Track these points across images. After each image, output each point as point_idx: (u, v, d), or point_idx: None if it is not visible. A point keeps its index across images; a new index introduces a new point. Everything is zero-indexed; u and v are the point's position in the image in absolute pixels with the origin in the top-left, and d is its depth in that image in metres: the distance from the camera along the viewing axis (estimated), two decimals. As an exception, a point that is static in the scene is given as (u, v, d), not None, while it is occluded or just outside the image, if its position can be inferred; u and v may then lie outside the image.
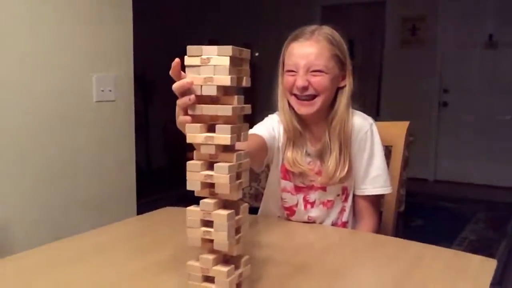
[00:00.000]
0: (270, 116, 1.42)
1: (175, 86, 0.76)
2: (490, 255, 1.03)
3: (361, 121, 1.36)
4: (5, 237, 1.71)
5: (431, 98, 5.50)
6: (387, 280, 0.97)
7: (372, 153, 1.36)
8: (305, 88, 1.26)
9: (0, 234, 1.70)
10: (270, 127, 1.37)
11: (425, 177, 5.52)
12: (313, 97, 1.28)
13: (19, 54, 1.72)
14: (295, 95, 1.29)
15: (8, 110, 1.70)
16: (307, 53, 1.27)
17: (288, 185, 1.40)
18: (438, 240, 1.15)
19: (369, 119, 1.38)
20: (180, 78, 0.77)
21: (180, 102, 0.77)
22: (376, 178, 1.36)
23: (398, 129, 1.52)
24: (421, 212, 4.17)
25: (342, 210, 1.41)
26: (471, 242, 3.55)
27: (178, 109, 0.80)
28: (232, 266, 0.72)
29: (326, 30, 1.31)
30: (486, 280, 0.90)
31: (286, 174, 1.39)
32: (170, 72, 0.79)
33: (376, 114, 5.57)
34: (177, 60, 0.78)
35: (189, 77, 0.72)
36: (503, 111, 5.18)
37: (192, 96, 0.73)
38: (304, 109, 1.29)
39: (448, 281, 0.92)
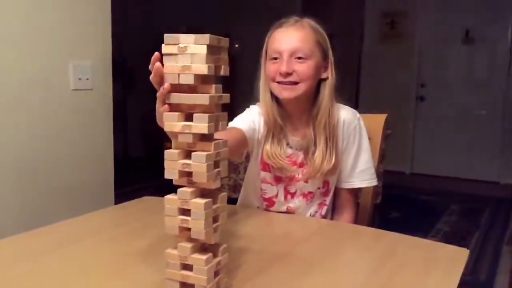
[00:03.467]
0: (251, 107, 1.42)
1: (152, 77, 0.76)
2: (463, 246, 1.05)
3: (349, 116, 1.37)
4: (-21, 227, 1.68)
5: (408, 92, 5.57)
6: (362, 268, 0.98)
7: (360, 147, 1.38)
8: (288, 74, 1.26)
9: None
10: (250, 120, 1.36)
11: (402, 170, 5.60)
12: (296, 83, 1.27)
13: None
14: (278, 82, 1.29)
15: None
16: (292, 38, 1.27)
17: (268, 176, 1.40)
18: (413, 231, 1.17)
19: (356, 113, 1.40)
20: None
21: (159, 93, 0.77)
22: (364, 171, 1.39)
23: (376, 122, 1.54)
24: (397, 205, 4.23)
25: (322, 204, 1.42)
26: (445, 233, 3.62)
27: (158, 103, 0.80)
28: (210, 254, 0.72)
29: (309, 20, 1.32)
30: (458, 269, 0.92)
31: (266, 165, 1.39)
32: (150, 67, 0.78)
33: (355, 106, 5.59)
34: (156, 54, 0.77)
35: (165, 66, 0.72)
36: (479, 106, 5.28)
37: (166, 85, 0.73)
38: (286, 93, 1.28)
39: (421, 269, 0.94)
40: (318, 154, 1.31)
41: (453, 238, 3.52)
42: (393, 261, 0.99)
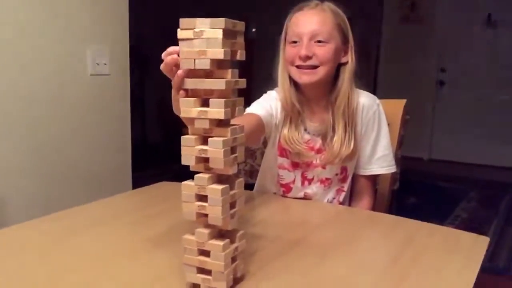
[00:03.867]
0: (268, 92, 1.41)
1: (163, 66, 0.80)
2: (481, 233, 1.04)
3: (368, 101, 1.35)
4: (0, 211, 1.72)
5: (428, 76, 5.48)
6: (381, 256, 0.97)
7: (379, 133, 1.36)
8: (308, 57, 1.25)
9: (-5, 207, 1.70)
10: (267, 105, 1.35)
11: (420, 156, 5.54)
12: (315, 67, 1.26)
13: (13, 23, 1.69)
14: (297, 66, 1.28)
15: (0, 85, 1.68)
16: (312, 21, 1.26)
17: (285, 162, 1.39)
18: (430, 218, 1.15)
19: (376, 99, 1.38)
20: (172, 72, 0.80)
21: (173, 81, 0.78)
22: (382, 158, 1.37)
23: (395, 107, 1.51)
24: (415, 191, 4.20)
25: (340, 191, 1.41)
26: (463, 220, 3.58)
27: (173, 91, 0.81)
28: (228, 240, 0.72)
29: (330, 3, 1.31)
30: (478, 257, 0.91)
31: (283, 151, 1.38)
32: (163, 55, 0.81)
33: (373, 91, 5.53)
34: (175, 48, 0.78)
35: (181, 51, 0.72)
36: (500, 91, 5.17)
37: (180, 72, 0.74)
38: (306, 77, 1.27)
39: (441, 257, 0.93)
40: (337, 140, 1.30)
41: (472, 225, 3.48)
42: (412, 249, 0.98)
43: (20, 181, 1.77)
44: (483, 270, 0.86)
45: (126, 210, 1.26)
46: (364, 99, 1.35)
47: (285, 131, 1.33)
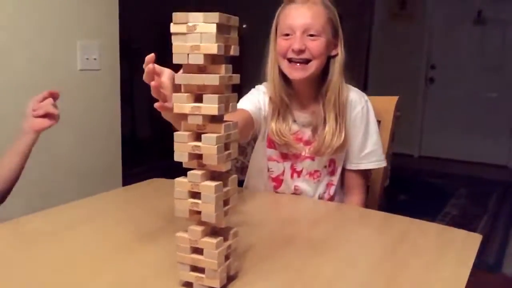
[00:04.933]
0: (256, 87, 1.41)
1: (144, 77, 0.85)
2: (472, 230, 1.04)
3: (356, 97, 1.36)
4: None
5: (418, 73, 5.51)
6: (374, 253, 0.97)
7: (368, 130, 1.37)
8: (301, 51, 1.25)
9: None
10: (256, 100, 1.36)
11: (410, 153, 5.57)
12: (307, 61, 1.27)
13: (1, 18, 1.67)
14: (288, 59, 1.28)
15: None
16: (305, 15, 1.26)
17: (274, 153, 1.40)
18: (421, 215, 1.16)
19: (364, 96, 1.39)
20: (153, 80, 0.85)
21: (152, 92, 0.85)
22: (371, 153, 1.38)
23: (387, 104, 1.52)
24: (406, 187, 4.22)
25: (330, 185, 1.41)
26: (453, 217, 3.61)
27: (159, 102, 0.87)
28: (221, 238, 0.71)
29: None
30: (471, 254, 0.91)
31: (271, 142, 1.39)
32: (144, 65, 0.84)
33: (363, 88, 5.55)
34: (151, 55, 0.83)
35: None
36: (489, 88, 5.21)
37: (152, 83, 0.83)
38: (297, 74, 1.28)
39: (434, 254, 0.93)
40: (328, 130, 1.31)
41: (461, 221, 3.50)
42: (405, 246, 0.97)
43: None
44: (473, 266, 0.86)
45: (117, 207, 1.24)
46: (353, 94, 1.36)
47: (273, 123, 1.34)
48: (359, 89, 1.39)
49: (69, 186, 1.96)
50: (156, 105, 0.85)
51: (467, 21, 5.22)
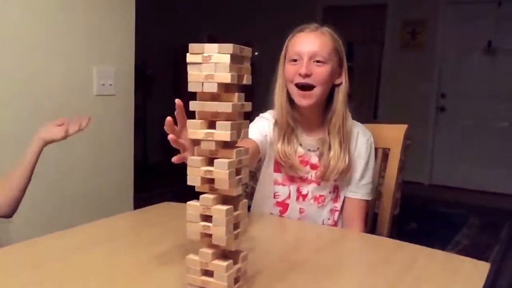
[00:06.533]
0: (260, 115, 1.47)
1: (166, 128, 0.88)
2: (483, 260, 1.04)
3: (361, 130, 1.43)
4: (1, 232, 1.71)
5: (428, 102, 5.52)
6: (381, 280, 0.98)
7: (369, 162, 1.43)
8: (307, 75, 1.31)
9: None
10: (260, 127, 1.42)
11: (420, 181, 5.53)
12: (311, 87, 1.32)
13: (22, 41, 1.72)
14: (296, 85, 1.33)
15: (5, 101, 1.69)
16: (312, 42, 1.33)
17: (280, 176, 1.43)
18: (431, 243, 1.15)
19: (367, 131, 1.45)
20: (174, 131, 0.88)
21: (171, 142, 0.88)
22: (366, 186, 1.43)
23: (396, 132, 1.53)
24: (415, 216, 4.18)
25: (334, 210, 1.44)
26: (464, 246, 3.57)
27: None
28: (231, 260, 0.73)
29: (328, 28, 1.38)
30: (479, 283, 0.91)
31: (277, 166, 1.43)
32: (165, 127, 0.87)
33: (373, 116, 5.59)
34: (168, 119, 0.86)
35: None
36: (500, 118, 5.20)
37: (169, 136, 0.86)
38: (305, 101, 1.33)
39: (441, 283, 0.93)
40: (333, 155, 1.36)
41: (473, 251, 3.46)
42: (413, 273, 0.98)
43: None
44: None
45: (128, 230, 1.26)
46: (359, 128, 1.44)
47: (279, 145, 1.39)
48: (369, 117, 1.43)
49: (80, 208, 1.98)
50: (169, 137, 0.88)
51: (477, 50, 5.25)
